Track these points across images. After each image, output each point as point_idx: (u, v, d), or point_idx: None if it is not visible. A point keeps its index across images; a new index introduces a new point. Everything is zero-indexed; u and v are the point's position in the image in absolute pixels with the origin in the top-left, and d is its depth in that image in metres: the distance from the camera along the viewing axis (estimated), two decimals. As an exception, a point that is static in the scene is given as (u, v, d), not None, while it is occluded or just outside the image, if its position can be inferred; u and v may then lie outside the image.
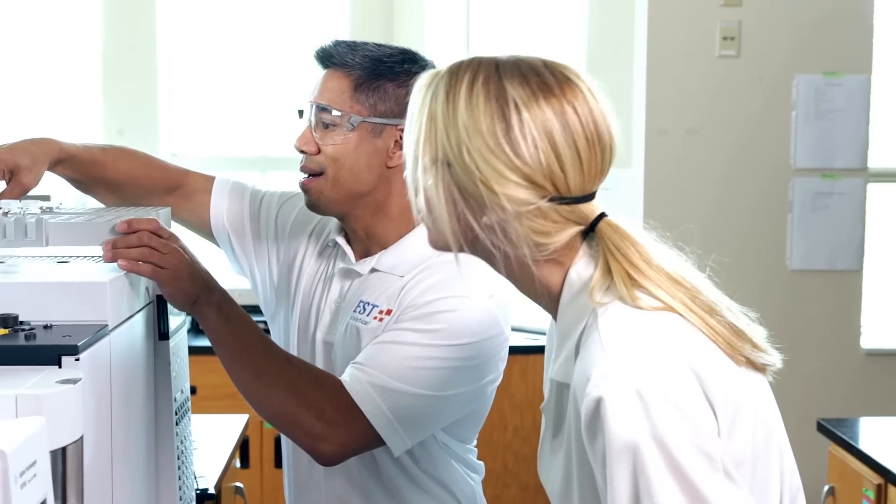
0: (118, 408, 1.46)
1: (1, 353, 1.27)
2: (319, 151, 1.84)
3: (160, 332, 1.67)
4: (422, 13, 4.58)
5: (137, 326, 1.57)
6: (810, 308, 3.99)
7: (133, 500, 1.55)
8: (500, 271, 1.31)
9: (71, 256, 1.67)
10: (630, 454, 1.12)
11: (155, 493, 1.68)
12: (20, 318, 1.36)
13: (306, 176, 1.86)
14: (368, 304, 1.85)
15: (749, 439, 1.21)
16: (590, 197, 1.25)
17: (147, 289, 1.63)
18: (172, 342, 1.69)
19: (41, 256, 1.68)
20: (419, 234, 1.85)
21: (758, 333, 1.28)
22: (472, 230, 1.25)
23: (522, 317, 3.68)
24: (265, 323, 2.08)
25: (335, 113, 1.84)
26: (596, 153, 1.24)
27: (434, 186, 1.25)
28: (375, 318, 1.82)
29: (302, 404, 1.70)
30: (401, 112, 1.80)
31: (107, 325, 1.40)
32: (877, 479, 2.77)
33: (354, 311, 1.85)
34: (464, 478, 1.91)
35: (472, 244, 1.28)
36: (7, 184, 1.76)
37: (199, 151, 4.76)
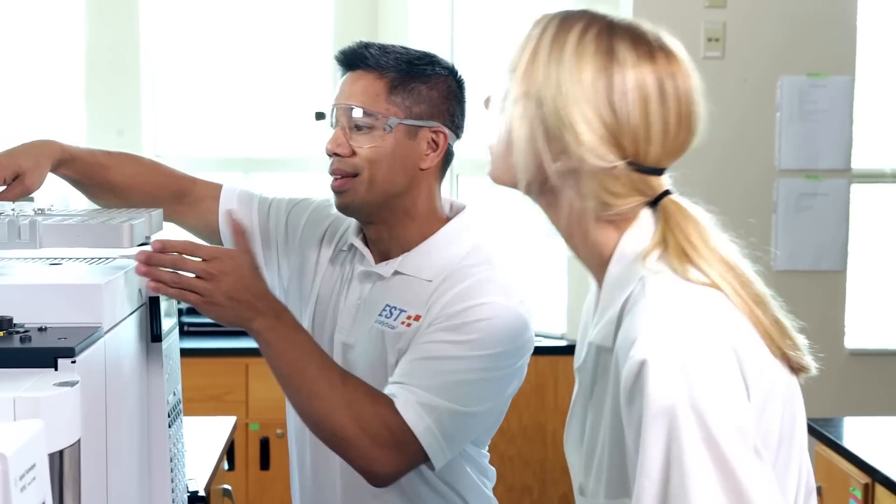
0: (113, 410, 1.45)
1: (-4, 356, 1.26)
2: (353, 154, 1.83)
3: (153, 334, 1.66)
4: (406, 14, 4.58)
5: (131, 328, 1.57)
6: (794, 308, 3.98)
7: (127, 502, 1.54)
8: (556, 223, 1.32)
9: (63, 258, 1.66)
10: (666, 419, 1.14)
11: (148, 495, 1.67)
12: (14, 321, 1.35)
13: (336, 178, 1.85)
14: (395, 308, 1.85)
15: (777, 424, 1.23)
16: (661, 172, 1.28)
17: (140, 290, 1.63)
18: (165, 344, 1.68)
19: (33, 259, 1.67)
20: (441, 238, 1.88)
21: (799, 338, 1.30)
22: (545, 172, 1.27)
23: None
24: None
25: (371, 115, 1.83)
26: (681, 130, 1.27)
27: (519, 119, 1.27)
28: (403, 322, 1.82)
29: (358, 427, 1.69)
30: (432, 114, 1.85)
31: (101, 328, 1.40)
32: (864, 479, 2.78)
33: (380, 314, 1.85)
34: (478, 484, 1.92)
35: (540, 186, 1.29)
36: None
37: (183, 152, 4.75)
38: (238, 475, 4.05)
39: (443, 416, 1.72)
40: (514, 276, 1.87)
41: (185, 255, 1.63)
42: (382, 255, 1.91)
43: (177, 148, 4.75)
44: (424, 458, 1.73)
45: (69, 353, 1.27)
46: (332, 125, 1.86)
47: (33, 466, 1.05)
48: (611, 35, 1.27)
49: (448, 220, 1.92)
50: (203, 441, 2.66)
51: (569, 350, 4.10)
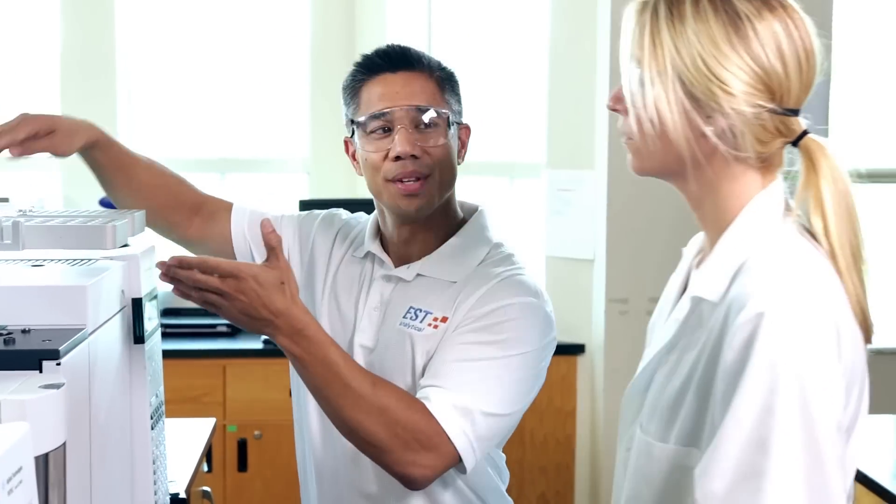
0: (96, 413, 1.44)
1: (-20, 358, 1.25)
2: (424, 154, 1.83)
3: (136, 335, 1.65)
4: (383, 15, 4.57)
5: (114, 330, 1.56)
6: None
7: (110, 505, 1.54)
8: (694, 190, 1.37)
9: (45, 260, 1.65)
10: (770, 373, 1.20)
11: (130, 497, 1.66)
12: (-3, 323, 1.35)
13: (410, 181, 1.83)
14: (420, 310, 1.85)
15: (850, 413, 1.29)
16: (797, 112, 1.34)
17: (123, 291, 1.62)
18: (147, 346, 1.68)
19: (13, 260, 1.65)
20: (463, 239, 1.90)
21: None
22: (704, 136, 1.32)
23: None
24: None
25: (438, 114, 1.84)
26: (810, 66, 1.34)
27: (663, 97, 1.33)
28: (430, 325, 1.83)
29: (392, 433, 1.68)
30: (460, 112, 1.90)
31: (86, 329, 1.39)
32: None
33: (405, 316, 1.85)
34: (497, 485, 1.94)
35: (704, 152, 1.33)
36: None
37: (159, 153, 4.70)
38: (216, 477, 4.03)
39: (476, 418, 1.73)
40: (533, 275, 1.89)
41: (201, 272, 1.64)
42: (402, 259, 1.92)
43: (153, 149, 4.72)
44: (458, 461, 1.73)
45: (54, 355, 1.26)
46: (380, 130, 1.84)
47: (20, 469, 1.04)
48: None
49: (462, 219, 1.94)
50: (182, 443, 2.65)
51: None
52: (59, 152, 1.85)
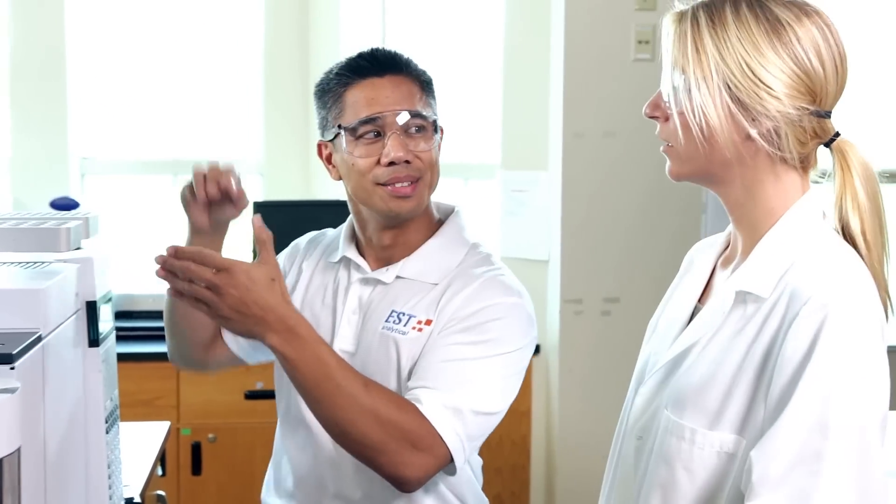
0: (51, 417, 1.43)
1: (-68, 363, 1.23)
2: (416, 158, 1.84)
3: (90, 338, 1.64)
4: (337, 16, 4.56)
5: (68, 333, 1.54)
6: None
7: (65, 510, 1.52)
8: (734, 192, 1.43)
9: (-4, 263, 1.63)
10: (837, 361, 1.28)
11: (85, 502, 1.64)
12: (-51, 327, 1.33)
13: (405, 185, 1.84)
14: (403, 314, 1.85)
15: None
16: (830, 114, 1.41)
17: (77, 294, 1.60)
18: (102, 349, 1.66)
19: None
20: (441, 240, 1.92)
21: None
22: (750, 138, 1.38)
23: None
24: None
25: (426, 118, 1.86)
26: (844, 70, 1.41)
27: (710, 102, 1.38)
28: (415, 328, 1.83)
29: (385, 434, 1.67)
30: (438, 116, 1.91)
31: (40, 333, 1.37)
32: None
33: (387, 320, 1.85)
34: (475, 484, 1.97)
35: (751, 154, 1.40)
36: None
37: (110, 155, 4.68)
38: (169, 480, 4.00)
39: (467, 417, 1.74)
40: (512, 274, 1.92)
41: (196, 264, 1.62)
42: (382, 261, 1.92)
43: (104, 151, 4.69)
44: (450, 461, 1.73)
45: (7, 359, 1.25)
46: (370, 134, 1.83)
47: (-25, 475, 1.03)
48: (760, 4, 1.39)
49: (439, 220, 1.95)
50: (136, 447, 2.63)
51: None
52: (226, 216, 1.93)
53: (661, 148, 1.48)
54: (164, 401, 4.05)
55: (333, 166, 1.92)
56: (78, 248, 1.64)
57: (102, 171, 4.70)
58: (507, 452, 4.13)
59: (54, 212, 1.80)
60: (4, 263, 1.63)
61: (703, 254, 1.60)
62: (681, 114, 1.41)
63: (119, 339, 4.62)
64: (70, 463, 1.56)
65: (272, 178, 4.63)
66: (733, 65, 1.37)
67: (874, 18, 4.39)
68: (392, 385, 1.82)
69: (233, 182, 1.88)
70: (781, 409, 1.29)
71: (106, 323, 1.70)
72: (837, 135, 1.42)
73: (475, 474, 1.99)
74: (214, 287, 1.61)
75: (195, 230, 1.95)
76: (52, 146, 4.51)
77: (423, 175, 1.85)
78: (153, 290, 4.32)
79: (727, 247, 1.55)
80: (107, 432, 1.67)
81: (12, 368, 1.24)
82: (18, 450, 1.18)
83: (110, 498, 1.68)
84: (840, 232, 1.41)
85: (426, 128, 1.86)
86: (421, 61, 1.93)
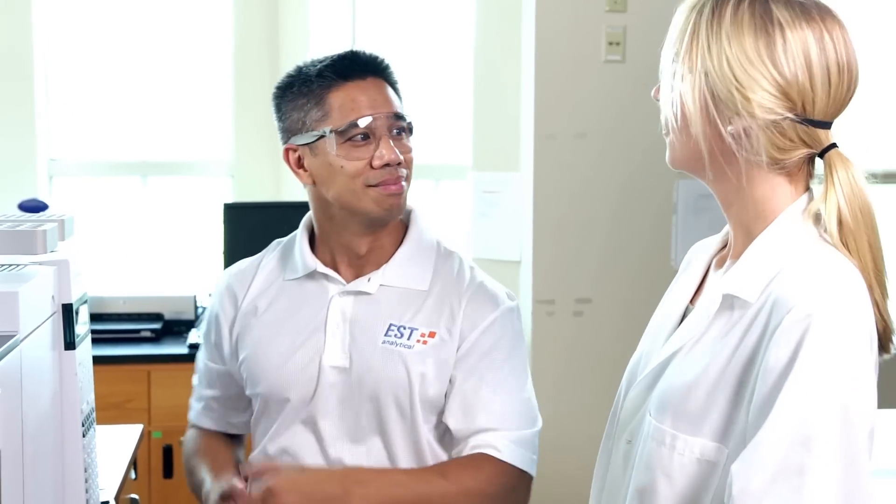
0: (29, 420, 1.42)
1: None
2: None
3: (66, 341, 1.62)
4: (307, 17, 4.55)
5: (45, 336, 1.53)
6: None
7: (42, 514, 1.51)
8: (724, 189, 1.41)
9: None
10: (819, 373, 1.24)
11: (62, 506, 1.63)
12: (-74, 330, 1.32)
13: (393, 185, 1.87)
14: (404, 327, 1.87)
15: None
16: (828, 125, 1.37)
17: (53, 297, 1.59)
18: (78, 352, 1.65)
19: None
20: (415, 244, 1.94)
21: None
22: (721, 136, 1.36)
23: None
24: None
25: (407, 120, 1.88)
26: (843, 82, 1.37)
27: (689, 92, 1.38)
28: (419, 341, 1.86)
29: (477, 499, 1.83)
30: None
31: (18, 335, 1.36)
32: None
33: (387, 334, 1.87)
34: None
35: (723, 152, 1.37)
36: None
37: (79, 157, 4.65)
38: (141, 483, 3.97)
39: (533, 440, 1.89)
40: (481, 270, 1.99)
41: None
42: (355, 269, 1.92)
43: (73, 152, 4.65)
44: (531, 479, 1.89)
45: (-14, 362, 1.24)
46: (359, 137, 1.84)
47: (-44, 479, 1.02)
48: (764, 3, 1.37)
49: (401, 222, 1.96)
50: (108, 450, 2.61)
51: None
52: None
53: (664, 132, 1.47)
54: (134, 404, 4.02)
55: (305, 170, 1.89)
56: (52, 251, 1.63)
57: (70, 173, 4.66)
58: (479, 453, 4.14)
59: (23, 214, 1.79)
60: (-21, 266, 1.62)
61: (700, 253, 1.57)
62: (665, 98, 1.42)
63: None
64: (48, 467, 1.55)
65: (242, 180, 4.62)
66: (716, 60, 1.35)
67: (875, 18, 4.42)
68: (404, 397, 1.85)
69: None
70: (763, 420, 1.26)
71: (82, 326, 1.69)
72: (833, 146, 1.37)
73: None
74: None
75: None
76: (20, 148, 4.47)
77: (408, 176, 1.87)
78: (123, 292, 4.30)
79: (723, 247, 1.52)
80: (83, 435, 1.66)
81: (-9, 372, 1.23)
82: (-2, 453, 1.17)
83: (87, 501, 1.67)
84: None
85: (407, 129, 1.88)
86: (392, 62, 1.93)
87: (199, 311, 4.26)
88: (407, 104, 1.92)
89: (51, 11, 4.53)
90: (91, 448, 1.72)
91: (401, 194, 1.86)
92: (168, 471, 4.05)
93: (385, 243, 1.92)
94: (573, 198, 3.89)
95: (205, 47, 4.65)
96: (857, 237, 1.34)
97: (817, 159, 1.39)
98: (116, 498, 2.37)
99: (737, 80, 1.34)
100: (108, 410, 3.87)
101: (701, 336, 1.41)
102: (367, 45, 1.96)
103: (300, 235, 1.98)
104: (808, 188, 1.41)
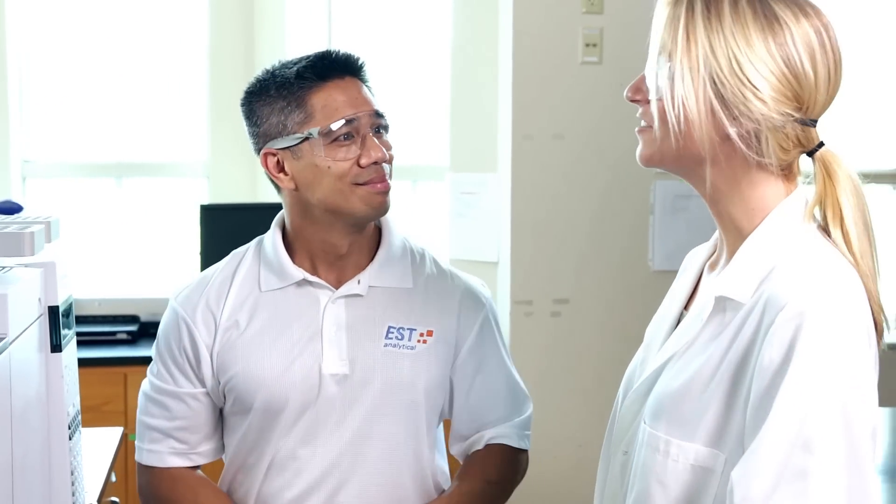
0: (18, 423, 1.41)
1: None
2: None
3: (53, 344, 1.61)
4: (283, 16, 4.54)
5: (31, 339, 1.52)
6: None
7: (30, 518, 1.50)
8: (712, 189, 1.36)
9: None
10: (815, 371, 1.21)
11: (48, 510, 1.62)
12: (-86, 333, 1.31)
13: (380, 183, 1.87)
14: (403, 328, 1.89)
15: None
16: (815, 123, 1.34)
17: (39, 299, 1.58)
18: (64, 354, 1.64)
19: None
20: (393, 242, 1.94)
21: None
22: (726, 137, 1.32)
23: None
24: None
25: (385, 119, 1.89)
26: (837, 77, 1.34)
27: (692, 94, 1.31)
28: (419, 341, 1.89)
29: (511, 487, 2.00)
30: None
31: (7, 338, 1.35)
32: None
33: (388, 337, 1.87)
34: (448, 478, 2.03)
35: (725, 153, 1.33)
36: None
37: (52, 158, 4.62)
38: (118, 486, 3.95)
39: (530, 421, 2.02)
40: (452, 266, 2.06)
41: None
42: (336, 270, 1.91)
43: (47, 154, 4.62)
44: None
45: (-23, 365, 1.23)
46: (343, 137, 1.82)
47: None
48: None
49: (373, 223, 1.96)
50: (88, 453, 2.59)
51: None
52: None
53: (636, 129, 1.40)
54: (111, 406, 4.00)
55: (287, 175, 1.86)
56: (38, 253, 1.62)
57: (44, 174, 4.63)
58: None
59: (7, 216, 1.77)
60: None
61: (693, 259, 1.53)
62: (660, 101, 1.34)
63: (66, 344, 4.49)
64: (35, 470, 1.54)
65: (217, 181, 4.60)
66: (722, 59, 1.29)
67: (859, 16, 4.44)
68: (410, 400, 1.89)
69: None
70: (760, 423, 1.22)
71: (68, 329, 1.68)
72: (821, 144, 1.34)
73: (448, 476, 2.02)
74: None
75: None
76: (-3, 150, 4.44)
77: (391, 173, 1.88)
78: (98, 294, 4.28)
79: (714, 252, 1.48)
80: (70, 438, 1.65)
81: (-18, 375, 1.22)
82: (-10, 457, 1.16)
83: (73, 504, 1.66)
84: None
85: (386, 127, 1.89)
86: (367, 61, 1.93)
87: (176, 312, 4.24)
88: (383, 104, 1.92)
89: (24, 11, 4.50)
90: (77, 451, 1.72)
91: (387, 192, 1.86)
92: (145, 473, 4.02)
93: (364, 244, 1.92)
94: (551, 199, 3.90)
95: (180, 47, 4.63)
96: (857, 232, 1.31)
97: (803, 156, 1.36)
98: (98, 501, 2.36)
99: (748, 78, 1.29)
100: (85, 413, 3.81)
101: (694, 340, 1.37)
102: (343, 46, 1.93)
103: (277, 245, 1.92)
104: (795, 185, 1.38)
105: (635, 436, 1.43)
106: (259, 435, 1.90)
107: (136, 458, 2.02)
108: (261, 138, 1.88)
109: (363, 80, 1.89)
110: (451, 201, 4.18)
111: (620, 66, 3.97)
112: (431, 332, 1.89)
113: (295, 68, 1.85)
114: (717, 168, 1.34)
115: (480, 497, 1.91)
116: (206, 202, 4.41)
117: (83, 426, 2.93)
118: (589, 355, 3.93)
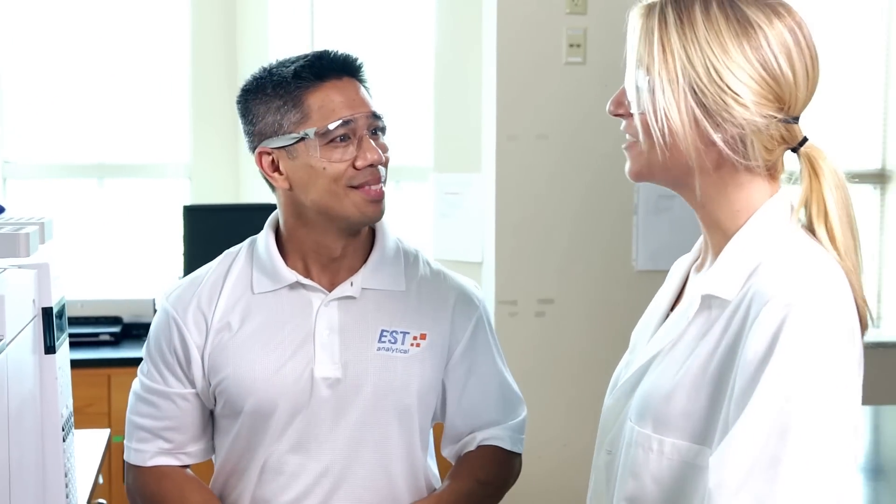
0: (14, 425, 1.41)
1: None
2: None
3: (46, 345, 1.61)
4: (265, 18, 4.53)
5: (26, 340, 1.52)
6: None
7: (26, 520, 1.50)
8: (700, 195, 1.36)
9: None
10: (796, 362, 1.21)
11: (42, 512, 1.62)
12: (-90, 335, 1.30)
13: (375, 187, 1.85)
14: (396, 332, 1.88)
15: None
16: (797, 119, 1.34)
17: (34, 301, 1.58)
18: (57, 356, 1.64)
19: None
20: (385, 245, 1.93)
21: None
22: (711, 145, 1.32)
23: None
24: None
25: (383, 120, 1.87)
26: (815, 72, 1.35)
27: (673, 105, 1.31)
28: (412, 344, 1.88)
29: (506, 485, 1.99)
30: None
31: (4, 340, 1.35)
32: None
33: (381, 340, 1.86)
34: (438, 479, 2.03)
35: (712, 160, 1.33)
36: None
37: (33, 159, 4.60)
38: (102, 488, 3.94)
39: (524, 424, 2.02)
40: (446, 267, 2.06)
41: None
42: (329, 273, 1.90)
43: (27, 154, 4.60)
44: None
45: (-24, 367, 1.22)
46: (339, 138, 1.81)
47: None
48: (731, 3, 1.32)
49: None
50: (76, 455, 2.59)
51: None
52: None
53: (623, 145, 1.41)
54: (95, 408, 3.98)
55: (281, 174, 1.84)
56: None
57: (25, 175, 4.61)
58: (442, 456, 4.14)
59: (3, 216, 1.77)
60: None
61: (680, 263, 1.54)
62: (642, 115, 1.34)
63: (49, 345, 4.46)
64: (29, 471, 1.53)
65: (200, 182, 4.58)
66: (700, 68, 1.29)
67: (839, 18, 4.46)
68: (408, 401, 1.88)
69: None
70: (741, 412, 1.22)
71: (61, 330, 1.68)
72: (805, 140, 1.35)
73: (438, 478, 2.02)
74: None
75: None
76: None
77: (386, 176, 1.86)
78: (81, 295, 4.26)
79: (700, 255, 1.48)
80: (63, 440, 1.65)
81: (-19, 376, 1.22)
82: (-9, 459, 1.16)
83: (66, 506, 1.66)
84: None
85: (383, 128, 1.87)
86: (363, 62, 1.92)
87: (159, 314, 4.23)
88: (381, 105, 1.91)
89: (4, 12, 4.47)
90: (70, 453, 1.71)
91: (381, 200, 1.84)
92: (129, 475, 4.01)
93: (358, 247, 1.91)
94: (535, 199, 3.91)
95: (162, 48, 4.61)
96: (842, 227, 1.32)
97: (787, 154, 1.37)
98: (88, 503, 2.35)
99: (728, 85, 1.29)
100: (74, 414, 3.83)
101: (679, 338, 1.37)
102: (326, 46, 1.91)
103: (269, 246, 1.91)
104: (779, 183, 1.39)
105: (619, 435, 1.43)
106: (250, 438, 1.89)
107: (125, 456, 2.01)
108: (256, 137, 1.86)
109: (361, 81, 1.87)
110: (435, 202, 4.19)
111: (604, 67, 3.99)
112: (425, 335, 1.88)
113: (292, 67, 1.83)
114: (705, 175, 1.35)
115: (469, 496, 1.90)
116: (188, 203, 4.39)
117: (68, 428, 2.95)
118: (573, 355, 3.94)
